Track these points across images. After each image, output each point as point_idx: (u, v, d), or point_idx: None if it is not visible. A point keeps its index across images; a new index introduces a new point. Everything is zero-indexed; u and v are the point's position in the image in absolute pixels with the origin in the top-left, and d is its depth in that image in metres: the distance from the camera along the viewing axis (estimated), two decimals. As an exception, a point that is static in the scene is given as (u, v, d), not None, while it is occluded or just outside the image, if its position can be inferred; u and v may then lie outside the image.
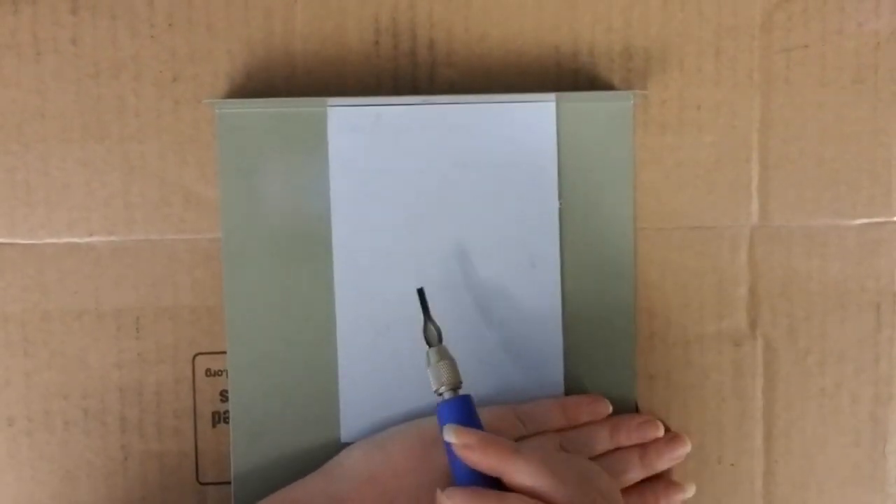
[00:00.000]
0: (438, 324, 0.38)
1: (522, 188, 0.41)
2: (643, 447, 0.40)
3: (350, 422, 0.41)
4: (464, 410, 0.36)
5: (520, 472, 0.34)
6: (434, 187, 0.41)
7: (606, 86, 0.42)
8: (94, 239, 0.41)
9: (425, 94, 0.41)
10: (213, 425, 0.42)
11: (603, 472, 0.37)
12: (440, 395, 0.37)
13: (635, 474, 0.40)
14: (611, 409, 0.41)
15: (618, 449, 0.40)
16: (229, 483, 0.41)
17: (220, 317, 0.41)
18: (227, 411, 0.42)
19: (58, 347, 0.41)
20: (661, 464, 0.41)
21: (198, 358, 0.42)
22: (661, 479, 0.41)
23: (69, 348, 0.41)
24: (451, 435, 0.35)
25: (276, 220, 0.41)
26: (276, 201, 0.41)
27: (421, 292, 0.38)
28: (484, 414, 0.37)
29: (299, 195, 0.41)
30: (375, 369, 0.41)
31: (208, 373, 0.42)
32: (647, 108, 0.42)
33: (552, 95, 0.40)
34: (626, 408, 0.42)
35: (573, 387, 0.41)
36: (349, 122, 0.41)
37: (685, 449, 0.41)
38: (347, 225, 0.41)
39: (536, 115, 0.41)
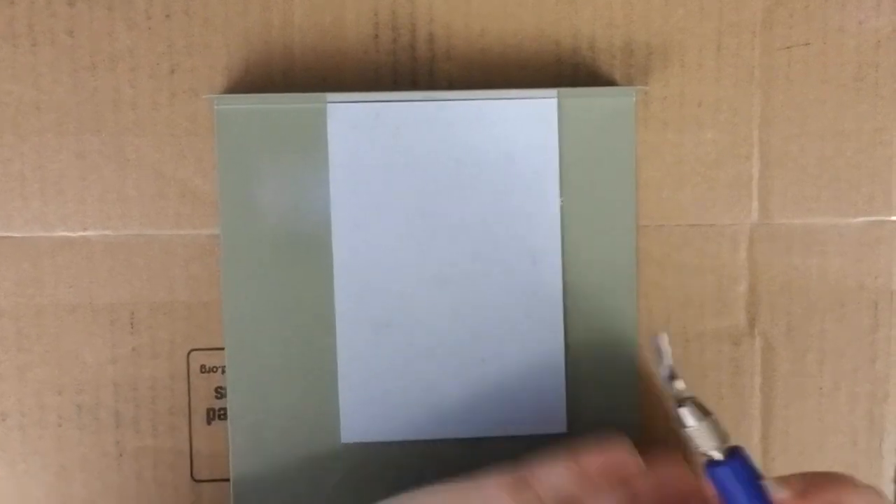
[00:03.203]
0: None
1: (523, 184, 0.41)
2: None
3: (350, 421, 0.41)
4: (748, 468, 0.33)
5: None
6: (434, 183, 0.41)
7: (607, 82, 0.42)
8: (89, 233, 0.41)
9: (425, 88, 0.41)
10: (208, 422, 0.41)
11: None
12: (712, 454, 0.33)
13: None
14: (627, 448, 0.36)
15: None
16: (225, 480, 0.41)
17: (216, 313, 0.41)
18: (222, 408, 0.41)
19: (52, 342, 0.41)
20: None
21: (193, 354, 0.41)
22: None
23: (63, 343, 0.41)
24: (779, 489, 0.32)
25: (274, 216, 0.40)
26: (275, 197, 0.40)
27: (666, 338, 0.35)
28: (486, 487, 0.35)
29: (298, 191, 0.41)
30: (375, 367, 0.41)
31: (203, 369, 0.41)
32: (648, 105, 0.42)
33: (553, 91, 0.40)
34: (628, 406, 0.42)
35: (574, 385, 0.41)
36: (349, 118, 0.40)
37: None
38: (347, 221, 0.41)
39: (538, 111, 0.41)
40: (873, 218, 0.43)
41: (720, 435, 0.34)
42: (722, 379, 0.42)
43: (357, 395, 0.41)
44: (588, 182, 0.41)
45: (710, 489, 0.33)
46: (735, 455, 0.33)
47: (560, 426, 0.41)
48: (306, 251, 0.41)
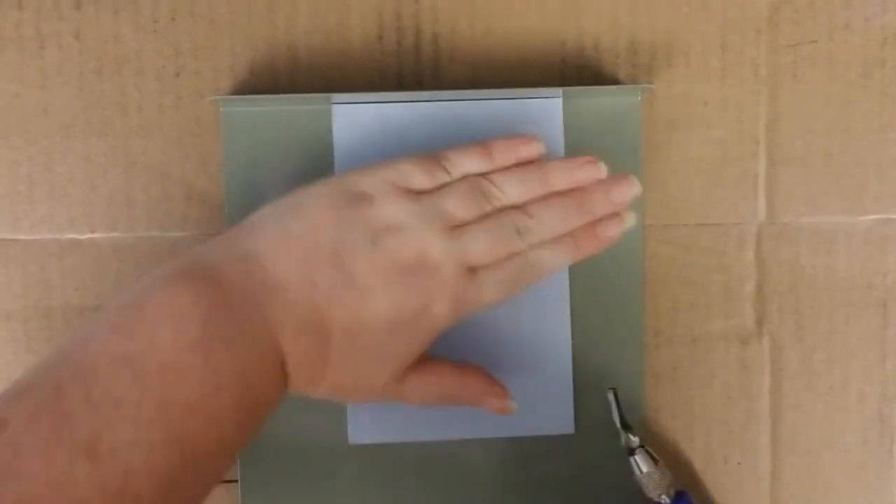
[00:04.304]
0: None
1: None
2: (583, 191, 0.37)
3: (357, 422, 0.41)
4: None
5: None
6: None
7: (612, 81, 0.42)
8: (97, 235, 0.41)
9: (429, 89, 0.41)
10: (216, 424, 0.41)
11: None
12: (660, 500, 0.38)
13: (574, 220, 0.37)
14: (543, 149, 0.37)
15: (554, 194, 0.37)
16: (234, 482, 0.41)
17: (223, 314, 0.41)
18: (229, 409, 0.41)
19: (60, 345, 0.41)
20: (602, 208, 0.37)
21: (200, 356, 0.41)
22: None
23: (71, 346, 0.41)
24: None
25: (279, 216, 0.40)
26: (280, 198, 0.40)
27: (615, 393, 0.38)
28: (402, 161, 0.36)
29: (303, 191, 0.40)
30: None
31: (211, 371, 0.41)
32: (653, 104, 0.42)
33: (559, 90, 0.40)
34: (633, 405, 0.41)
35: (581, 383, 0.41)
36: (353, 119, 0.40)
37: (631, 190, 0.37)
38: (351, 221, 0.41)
39: (543, 110, 0.41)
40: (881, 216, 0.42)
41: (668, 480, 0.38)
42: (730, 379, 0.42)
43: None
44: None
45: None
46: (681, 498, 0.38)
47: (567, 426, 0.41)
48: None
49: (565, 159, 0.38)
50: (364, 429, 0.41)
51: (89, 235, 0.41)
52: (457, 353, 0.40)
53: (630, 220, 0.37)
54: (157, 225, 0.41)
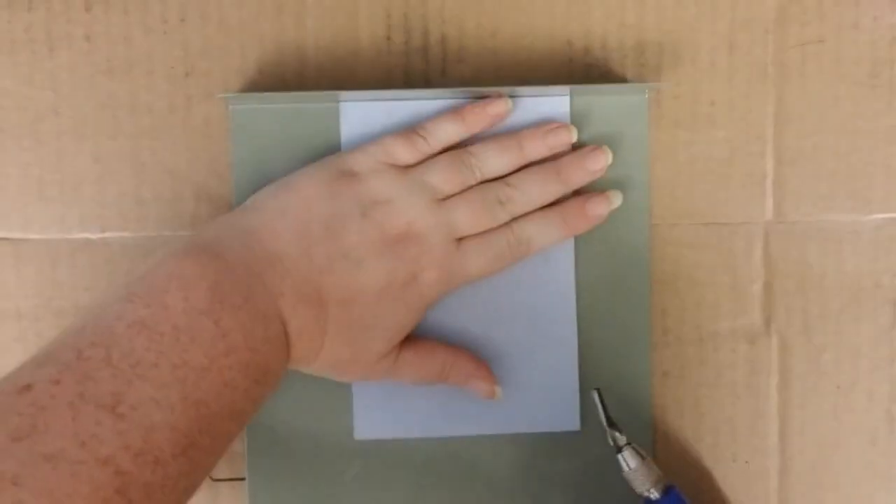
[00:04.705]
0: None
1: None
2: (559, 160, 0.39)
3: (363, 418, 0.41)
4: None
5: None
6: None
7: (619, 81, 0.42)
8: (107, 235, 0.41)
9: (437, 89, 0.41)
10: (225, 422, 0.42)
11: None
12: (649, 495, 0.38)
13: (553, 189, 0.39)
14: (511, 106, 0.39)
15: (532, 164, 0.39)
16: (242, 479, 0.41)
17: (232, 313, 0.41)
18: (238, 408, 0.42)
19: (70, 343, 0.41)
20: (579, 176, 0.39)
21: (210, 355, 0.41)
22: (584, 194, 0.40)
23: (82, 344, 0.41)
24: None
25: (288, 215, 0.41)
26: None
27: (599, 393, 0.38)
28: (385, 138, 0.38)
29: (311, 190, 0.41)
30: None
31: (220, 370, 0.41)
32: (661, 103, 0.42)
33: (566, 88, 0.40)
34: (640, 404, 0.41)
35: (587, 383, 0.41)
36: (362, 117, 0.41)
37: (605, 158, 0.39)
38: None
39: (550, 108, 0.41)
40: (889, 215, 0.42)
41: (655, 476, 0.38)
42: (737, 378, 0.42)
43: (370, 392, 0.41)
44: (601, 180, 0.41)
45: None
46: (669, 493, 0.38)
47: (573, 423, 0.41)
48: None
49: (538, 126, 0.40)
50: (370, 425, 0.41)
51: (100, 235, 0.41)
52: (464, 349, 0.40)
53: (616, 200, 0.40)
54: (167, 224, 0.41)
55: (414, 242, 0.37)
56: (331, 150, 0.41)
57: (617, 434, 0.38)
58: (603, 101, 0.41)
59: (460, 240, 0.38)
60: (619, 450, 0.38)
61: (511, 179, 0.39)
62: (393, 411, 0.41)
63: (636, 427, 0.41)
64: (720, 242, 0.42)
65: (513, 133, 0.39)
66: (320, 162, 0.39)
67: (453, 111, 0.39)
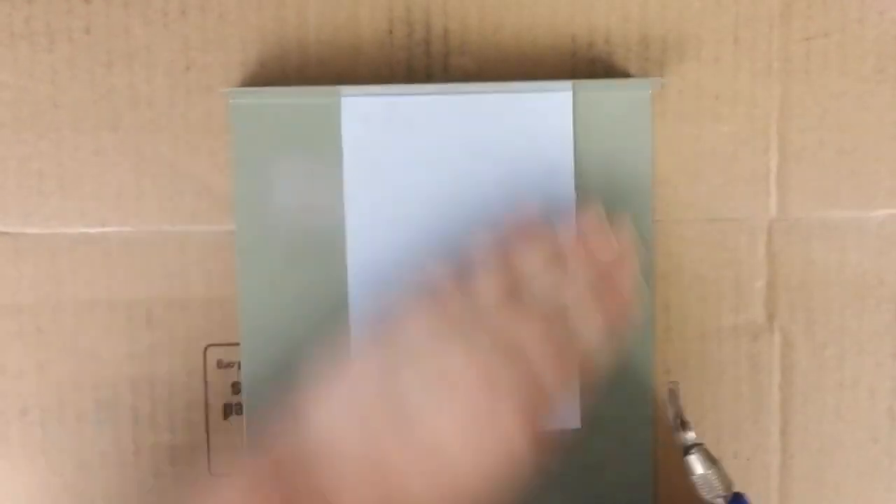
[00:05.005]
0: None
1: (538, 178, 0.41)
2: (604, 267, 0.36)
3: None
4: None
5: None
6: (448, 177, 0.41)
7: (623, 75, 0.41)
8: (107, 229, 0.41)
9: (439, 83, 0.41)
10: (225, 417, 0.42)
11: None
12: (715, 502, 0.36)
13: (598, 288, 0.36)
14: (551, 225, 0.37)
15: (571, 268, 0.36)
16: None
17: (232, 308, 0.41)
18: (238, 403, 0.42)
19: (70, 338, 0.41)
20: (609, 254, 0.36)
21: (209, 349, 0.41)
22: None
23: (81, 339, 0.41)
24: None
25: (289, 210, 0.41)
26: (289, 191, 0.41)
27: (674, 390, 0.37)
28: (431, 277, 0.35)
29: (313, 184, 0.41)
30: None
31: (220, 364, 0.41)
32: (664, 98, 0.42)
33: (569, 84, 0.40)
34: (641, 401, 0.41)
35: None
36: (363, 112, 0.40)
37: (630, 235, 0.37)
38: (361, 215, 0.41)
39: (553, 103, 0.41)
40: (893, 211, 0.42)
41: (725, 482, 0.36)
42: (740, 375, 0.42)
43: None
44: (604, 176, 0.40)
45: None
46: (738, 502, 0.36)
47: (574, 421, 0.41)
48: (321, 245, 0.41)
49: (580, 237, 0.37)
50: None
51: (100, 229, 0.41)
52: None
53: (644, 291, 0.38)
54: (167, 218, 0.41)
55: (483, 388, 0.33)
56: (331, 145, 0.40)
57: (687, 434, 0.36)
58: (606, 96, 0.41)
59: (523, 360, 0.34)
60: (688, 452, 0.36)
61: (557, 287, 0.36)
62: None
63: (638, 423, 0.41)
64: (724, 238, 0.42)
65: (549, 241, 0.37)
66: (370, 332, 0.36)
67: (491, 234, 0.36)
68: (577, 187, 0.41)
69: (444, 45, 0.41)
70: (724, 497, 0.36)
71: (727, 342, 0.42)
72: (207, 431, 0.42)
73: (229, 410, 0.42)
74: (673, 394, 0.37)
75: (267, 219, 0.41)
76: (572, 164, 0.41)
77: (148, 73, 0.41)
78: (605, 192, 0.41)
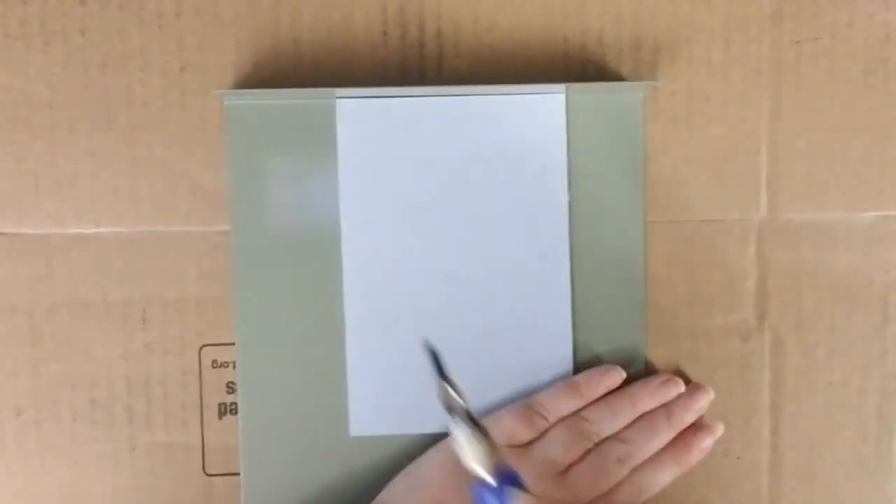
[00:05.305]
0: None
1: (531, 180, 0.41)
2: (668, 406, 0.40)
3: (359, 415, 0.41)
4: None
5: None
6: (442, 179, 0.41)
7: (615, 77, 0.42)
8: (102, 230, 0.41)
9: (433, 84, 0.41)
10: (220, 417, 0.42)
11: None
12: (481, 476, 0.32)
13: (666, 436, 0.40)
14: (624, 375, 0.41)
15: (643, 415, 0.40)
16: (236, 474, 0.41)
17: (227, 308, 0.41)
18: (233, 403, 0.42)
19: (65, 338, 0.41)
20: (689, 417, 0.41)
21: (204, 349, 0.42)
22: (688, 428, 0.41)
23: (76, 339, 0.41)
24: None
25: (284, 211, 0.41)
26: (284, 192, 0.41)
27: (432, 352, 0.32)
28: (502, 417, 0.39)
29: (307, 185, 0.41)
30: (384, 362, 0.41)
31: (215, 364, 0.42)
32: (656, 100, 0.42)
33: (562, 87, 0.40)
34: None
35: (580, 379, 0.41)
36: (357, 114, 0.41)
37: (709, 397, 0.41)
38: (356, 216, 0.41)
39: (546, 106, 0.41)
40: (883, 213, 0.42)
41: (488, 452, 0.32)
42: (731, 374, 0.42)
43: (366, 389, 0.41)
44: (596, 178, 0.41)
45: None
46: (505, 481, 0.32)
47: None
48: (316, 246, 0.41)
49: (646, 381, 0.41)
50: (365, 421, 0.41)
51: (94, 230, 0.41)
52: (459, 347, 0.41)
53: (719, 431, 0.41)
54: (162, 219, 0.41)
55: None
56: (326, 146, 0.40)
57: (450, 392, 0.31)
58: (598, 98, 0.41)
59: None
60: (450, 411, 0.32)
61: (626, 436, 0.39)
62: (388, 408, 0.41)
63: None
64: (714, 239, 0.42)
65: (623, 391, 0.40)
66: (439, 452, 0.39)
67: (568, 384, 0.40)
68: (570, 189, 0.41)
69: (437, 47, 0.42)
70: (488, 470, 0.31)
71: (718, 342, 0.42)
72: (202, 431, 0.42)
73: (224, 410, 0.42)
74: (434, 356, 0.32)
75: (262, 219, 0.41)
76: (565, 165, 0.41)
77: (143, 74, 0.41)
78: (597, 194, 0.41)
